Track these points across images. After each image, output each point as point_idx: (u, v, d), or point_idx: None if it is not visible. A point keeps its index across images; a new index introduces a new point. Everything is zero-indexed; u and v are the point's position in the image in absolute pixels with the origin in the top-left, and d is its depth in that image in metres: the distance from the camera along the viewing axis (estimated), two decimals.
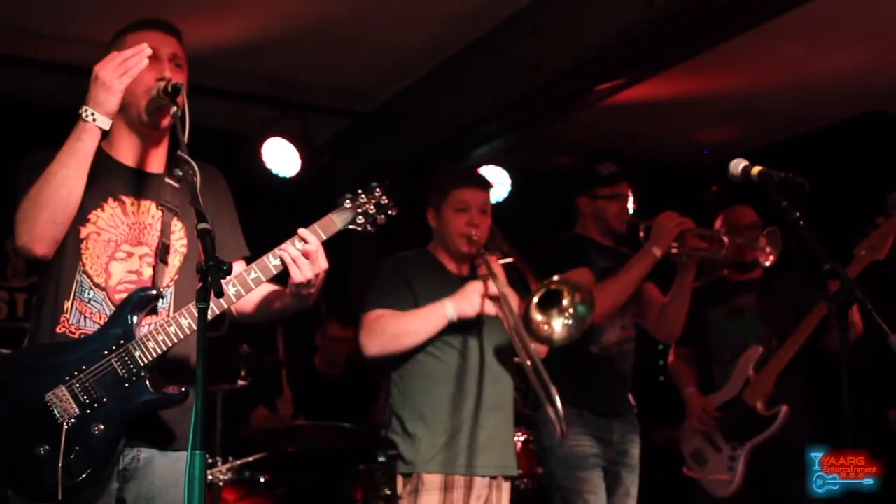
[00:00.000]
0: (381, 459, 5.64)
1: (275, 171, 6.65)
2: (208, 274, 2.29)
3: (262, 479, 5.46)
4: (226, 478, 5.23)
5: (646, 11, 4.67)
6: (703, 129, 7.41)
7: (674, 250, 4.61)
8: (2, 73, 6.01)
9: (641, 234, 4.68)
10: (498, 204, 6.91)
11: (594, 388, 4.63)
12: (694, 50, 5.21)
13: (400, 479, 4.03)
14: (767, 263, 4.70)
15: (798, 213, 2.83)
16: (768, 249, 4.68)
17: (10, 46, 5.84)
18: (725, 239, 4.69)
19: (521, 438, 5.68)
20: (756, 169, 2.97)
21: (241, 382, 5.60)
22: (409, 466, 4.00)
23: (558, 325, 3.96)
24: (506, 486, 4.15)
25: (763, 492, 4.97)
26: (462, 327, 4.05)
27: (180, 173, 2.65)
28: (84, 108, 2.96)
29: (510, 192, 7.07)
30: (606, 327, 4.66)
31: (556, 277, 3.95)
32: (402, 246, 4.35)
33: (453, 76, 6.23)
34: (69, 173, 2.93)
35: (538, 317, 3.93)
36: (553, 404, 3.84)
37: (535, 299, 3.90)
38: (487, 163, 6.99)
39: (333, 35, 5.87)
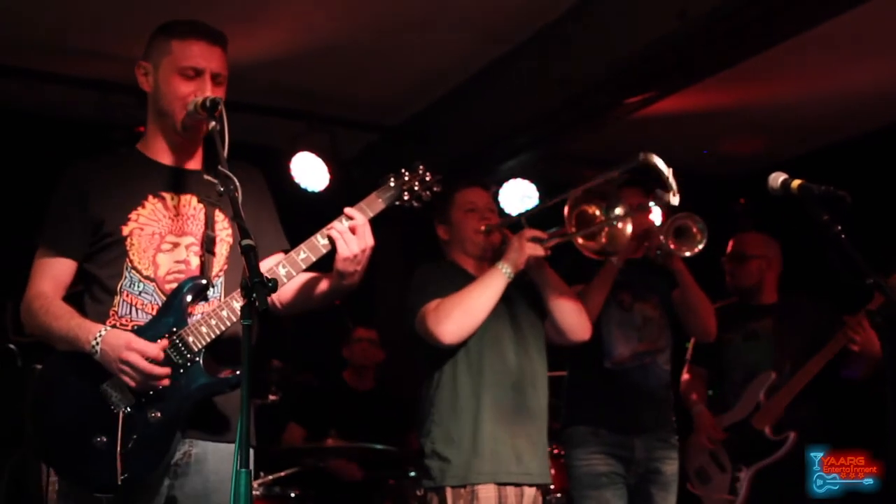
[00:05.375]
0: (411, 475, 5.67)
1: (304, 185, 6.65)
2: (253, 291, 2.28)
3: (292, 495, 5.45)
4: (257, 493, 5.24)
5: (677, 24, 4.64)
6: (729, 140, 7.37)
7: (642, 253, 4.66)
8: (33, 89, 6.04)
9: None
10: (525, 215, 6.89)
11: (610, 404, 4.60)
12: (726, 62, 5.18)
13: (449, 492, 3.87)
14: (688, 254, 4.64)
15: (839, 227, 2.81)
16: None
17: (42, 62, 5.87)
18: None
19: (553, 452, 5.65)
20: (796, 182, 2.95)
21: (272, 397, 5.61)
22: (460, 478, 3.87)
23: (613, 231, 4.05)
24: (541, 499, 4.10)
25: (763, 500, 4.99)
26: (499, 331, 4.04)
27: (222, 189, 2.65)
28: None
29: (536, 205, 7.02)
30: (619, 340, 4.64)
31: (566, 210, 3.99)
32: (427, 258, 4.36)
33: (482, 90, 6.23)
34: None
35: (594, 245, 4.04)
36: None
37: (578, 236, 3.98)
38: (515, 176, 6.96)
39: (361, 49, 5.88)
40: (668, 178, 3.73)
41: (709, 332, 4.87)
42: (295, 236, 3.43)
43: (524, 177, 7.00)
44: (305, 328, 6.21)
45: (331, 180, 6.68)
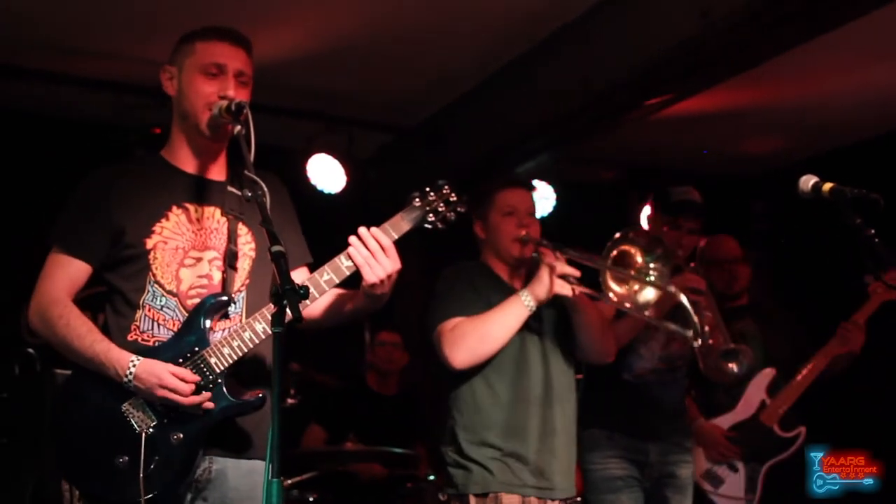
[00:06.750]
0: (431, 478, 5.64)
1: (320, 187, 6.63)
2: (284, 298, 2.25)
3: (310, 499, 5.41)
4: None
5: (700, 24, 4.57)
6: (748, 140, 7.34)
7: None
8: (47, 91, 6.03)
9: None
10: (543, 219, 6.86)
11: (625, 414, 4.56)
12: (748, 63, 5.13)
13: (473, 500, 3.82)
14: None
15: (872, 231, 2.77)
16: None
17: (56, 64, 5.86)
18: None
19: None
20: (827, 186, 2.90)
21: (290, 401, 5.58)
22: (484, 486, 3.82)
23: (646, 285, 3.86)
24: None
25: (771, 496, 4.99)
26: (530, 345, 3.97)
27: (250, 194, 2.61)
28: None
29: (555, 207, 7.01)
30: (643, 355, 4.58)
31: (610, 243, 3.84)
32: (446, 260, 4.24)
33: (499, 91, 6.18)
34: None
35: (619, 290, 3.86)
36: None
37: (609, 277, 3.84)
38: (533, 178, 6.92)
39: (377, 50, 5.85)
40: (692, 317, 3.68)
41: None
42: (312, 239, 3.41)
43: (541, 178, 6.98)
44: (323, 331, 6.19)
45: (347, 182, 6.66)
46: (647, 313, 3.94)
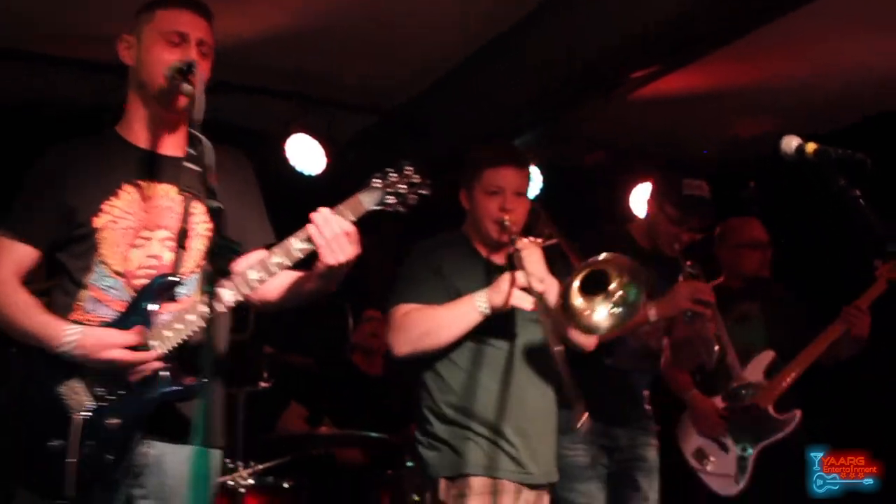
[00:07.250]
0: (409, 465, 5.53)
1: (299, 168, 6.53)
2: (216, 253, 2.14)
3: (285, 485, 5.33)
4: (248, 483, 5.09)
5: None
6: (739, 122, 7.22)
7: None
8: (28, 72, 6.01)
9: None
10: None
11: (599, 398, 4.40)
12: (736, 34, 5.03)
13: (443, 482, 3.72)
14: None
15: (858, 192, 2.63)
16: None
17: (35, 45, 5.80)
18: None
19: None
20: (811, 146, 2.75)
21: (263, 384, 5.47)
22: (454, 468, 3.71)
23: (603, 313, 3.67)
24: (547, 498, 3.94)
25: (768, 491, 4.95)
26: (501, 325, 3.81)
27: (194, 152, 2.50)
28: None
29: (541, 190, 6.90)
30: (623, 343, 4.52)
31: (600, 256, 3.59)
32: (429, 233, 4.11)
33: (481, 69, 6.06)
34: None
35: (579, 303, 3.65)
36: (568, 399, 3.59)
37: (576, 283, 3.62)
38: None
39: (358, 29, 5.75)
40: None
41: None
42: (291, 220, 3.29)
43: None
44: (300, 312, 6.13)
45: (328, 163, 6.57)
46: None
